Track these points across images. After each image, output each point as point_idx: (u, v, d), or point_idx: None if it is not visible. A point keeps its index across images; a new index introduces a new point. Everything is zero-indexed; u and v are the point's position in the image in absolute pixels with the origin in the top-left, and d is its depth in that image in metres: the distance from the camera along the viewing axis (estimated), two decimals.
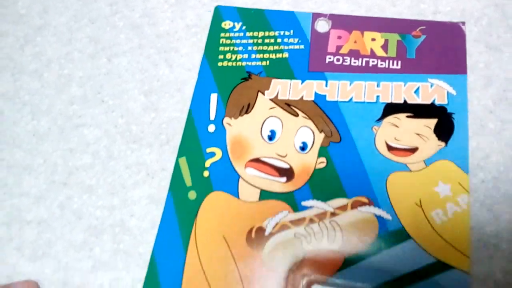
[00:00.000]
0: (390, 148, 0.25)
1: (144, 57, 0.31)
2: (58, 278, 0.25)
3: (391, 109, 0.26)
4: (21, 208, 0.27)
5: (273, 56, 0.29)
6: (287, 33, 0.29)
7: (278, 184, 0.25)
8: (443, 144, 0.25)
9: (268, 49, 0.29)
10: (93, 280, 0.25)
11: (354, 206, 0.24)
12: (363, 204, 0.24)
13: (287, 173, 0.25)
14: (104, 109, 0.29)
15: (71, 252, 0.26)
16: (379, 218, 0.24)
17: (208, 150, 0.27)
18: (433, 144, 0.25)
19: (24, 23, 0.33)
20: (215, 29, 0.30)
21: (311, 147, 0.26)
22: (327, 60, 0.28)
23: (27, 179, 0.28)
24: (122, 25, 0.32)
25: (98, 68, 0.31)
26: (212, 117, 0.27)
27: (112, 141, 0.28)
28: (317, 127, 0.26)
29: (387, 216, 0.24)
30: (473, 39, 0.28)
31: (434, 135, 0.25)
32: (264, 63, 0.29)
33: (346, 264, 0.23)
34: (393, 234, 0.23)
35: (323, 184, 0.25)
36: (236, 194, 0.25)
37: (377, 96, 0.27)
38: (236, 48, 0.29)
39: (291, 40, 0.29)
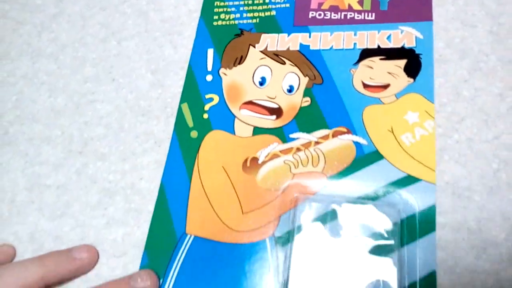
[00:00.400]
0: (365, 86, 0.29)
1: (150, 40, 0.34)
2: (75, 234, 0.28)
3: (366, 53, 0.30)
4: (41, 175, 0.30)
5: (262, 14, 0.32)
6: None
7: (269, 121, 0.29)
8: (411, 80, 0.29)
9: (258, 9, 0.32)
10: (107, 235, 0.28)
11: (335, 135, 0.28)
12: (343, 133, 0.28)
13: (277, 112, 0.29)
14: (115, 87, 0.32)
15: (87, 211, 0.29)
16: (356, 144, 0.27)
17: (207, 96, 0.30)
18: (403, 80, 0.29)
19: (41, 12, 0.36)
20: None
21: (297, 89, 0.30)
22: (310, 16, 0.32)
23: (46, 149, 0.31)
24: (130, 12, 0.35)
25: (109, 50, 0.34)
26: (209, 68, 0.31)
27: (122, 114, 0.31)
28: (302, 72, 0.30)
29: (363, 141, 0.27)
30: (450, 17, 0.31)
31: (404, 73, 0.29)
32: (254, 20, 0.32)
33: (328, 183, 0.27)
34: (368, 156, 0.27)
35: (308, 119, 0.29)
36: (232, 131, 0.29)
37: (354, 44, 0.30)
38: (229, 9, 0.33)
39: (278, 0, 0.33)
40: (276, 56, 0.31)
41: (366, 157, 0.27)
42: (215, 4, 0.33)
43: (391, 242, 0.24)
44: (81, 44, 0.34)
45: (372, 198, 0.26)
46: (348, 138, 0.28)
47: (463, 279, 0.24)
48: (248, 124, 0.29)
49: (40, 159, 0.31)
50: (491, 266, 0.24)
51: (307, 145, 0.28)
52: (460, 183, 0.26)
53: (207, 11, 0.33)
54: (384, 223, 0.25)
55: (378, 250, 0.24)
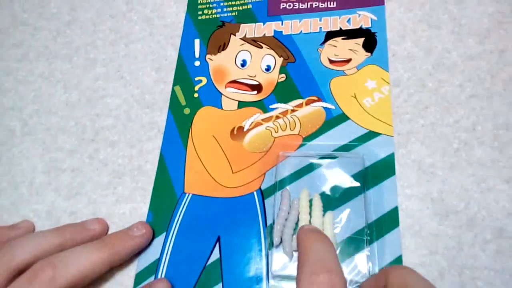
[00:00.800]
0: (331, 61, 0.34)
1: (154, 42, 0.38)
2: (88, 210, 0.32)
3: (330, 35, 0.35)
4: (57, 160, 0.34)
5: (240, 8, 0.37)
6: None
7: (251, 96, 0.34)
8: (369, 54, 0.33)
9: (236, 3, 0.37)
10: (117, 210, 0.31)
11: (307, 103, 0.33)
12: (314, 101, 0.32)
13: (257, 87, 0.34)
14: (123, 83, 0.36)
15: (99, 190, 0.32)
16: (326, 109, 0.32)
17: (196, 78, 0.35)
18: (362, 55, 0.33)
19: (56, 19, 0.40)
20: None
21: (274, 68, 0.34)
22: (281, 7, 0.36)
23: (62, 138, 0.35)
24: (136, 18, 0.39)
25: (117, 52, 0.38)
26: (196, 55, 0.36)
27: (130, 107, 0.35)
28: (277, 54, 0.35)
29: (331, 106, 0.32)
30: (418, 20, 0.35)
31: (362, 49, 0.34)
32: (233, 13, 0.37)
33: (304, 143, 0.31)
34: (336, 118, 0.32)
35: (284, 92, 0.33)
36: (220, 106, 0.34)
37: (320, 27, 0.35)
38: (211, 5, 0.38)
39: None
40: (254, 42, 0.35)
41: (334, 119, 0.32)
42: (199, 1, 0.38)
43: (358, 184, 0.29)
44: (92, 46, 0.38)
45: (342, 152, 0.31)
46: (319, 105, 0.32)
47: (427, 242, 0.28)
48: (233, 100, 0.34)
49: (56, 146, 0.34)
50: (452, 231, 0.28)
51: (284, 113, 0.32)
52: (425, 161, 0.30)
53: (192, 8, 0.38)
54: (352, 170, 0.29)
55: (348, 192, 0.28)
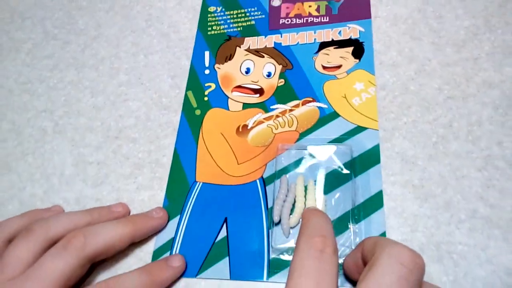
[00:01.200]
0: (324, 67, 0.38)
1: (170, 54, 0.43)
2: (112, 197, 0.36)
3: (323, 45, 0.39)
4: (85, 154, 0.38)
5: (244, 24, 0.42)
6: (252, 9, 0.43)
7: (254, 99, 0.38)
8: (357, 60, 0.38)
9: (241, 20, 0.42)
10: (137, 197, 0.36)
11: (303, 103, 0.37)
12: (309, 101, 0.37)
13: (259, 91, 0.38)
14: (143, 89, 0.41)
15: (121, 180, 0.37)
16: (319, 108, 0.36)
17: (206, 84, 0.40)
18: (351, 61, 0.38)
19: (84, 34, 0.46)
20: (204, 12, 0.44)
21: (274, 74, 0.39)
22: (281, 22, 0.42)
23: (89, 136, 0.39)
24: (155, 34, 0.44)
25: (138, 62, 0.43)
26: (206, 65, 0.41)
27: (149, 109, 0.40)
28: (277, 62, 0.39)
29: (324, 106, 0.36)
30: (402, 32, 0.40)
31: (352, 56, 0.38)
32: (238, 29, 0.42)
33: (300, 137, 0.36)
34: (328, 115, 0.36)
35: (283, 94, 0.38)
36: (227, 108, 0.38)
37: (314, 39, 0.40)
38: (219, 22, 0.43)
39: (255, 13, 0.43)
40: (257, 52, 0.40)
41: (327, 117, 0.36)
42: (209, 19, 0.43)
43: (347, 172, 0.33)
44: (116, 58, 0.43)
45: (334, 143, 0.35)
46: (313, 105, 0.37)
47: (409, 221, 0.32)
48: (239, 102, 0.38)
49: (84, 143, 0.39)
50: (430, 212, 0.32)
51: (283, 112, 0.37)
52: (407, 153, 0.34)
53: (203, 25, 0.43)
54: (342, 160, 0.33)
55: (338, 179, 0.33)
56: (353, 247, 0.30)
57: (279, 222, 0.32)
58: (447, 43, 0.39)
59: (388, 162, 0.34)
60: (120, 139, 0.38)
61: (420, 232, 0.31)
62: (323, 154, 0.34)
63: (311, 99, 0.37)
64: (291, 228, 0.31)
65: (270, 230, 0.32)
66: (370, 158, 0.33)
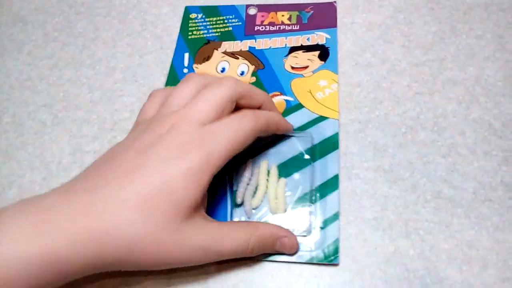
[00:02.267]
0: (293, 68, 0.42)
1: (163, 54, 0.46)
2: None
3: (293, 49, 0.43)
4: (82, 144, 0.41)
5: (222, 30, 0.46)
6: (230, 16, 0.47)
7: None
8: (323, 62, 0.42)
9: (219, 26, 0.46)
10: None
11: (272, 97, 0.41)
12: (277, 95, 0.41)
13: None
14: (137, 86, 0.44)
15: None
16: (286, 101, 0.40)
17: None
18: (317, 63, 0.42)
19: (82, 37, 0.49)
20: (185, 19, 0.48)
21: (247, 72, 0.43)
22: (256, 29, 0.45)
23: (86, 127, 0.42)
24: (149, 36, 0.48)
25: (133, 62, 0.46)
26: (185, 64, 0.44)
27: (142, 103, 0.43)
28: (250, 63, 0.43)
29: (290, 98, 0.40)
30: (376, 36, 0.44)
31: (318, 59, 0.42)
32: (217, 34, 0.46)
33: None
34: (294, 107, 0.40)
35: None
36: None
37: (285, 44, 0.44)
38: (199, 28, 0.47)
39: (233, 20, 0.47)
40: (232, 55, 0.44)
41: (292, 108, 0.39)
42: (190, 25, 0.47)
43: (308, 157, 0.36)
44: (112, 58, 0.47)
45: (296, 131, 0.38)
46: (281, 98, 0.40)
47: (379, 201, 0.35)
48: None
49: (81, 134, 0.42)
50: (399, 193, 0.35)
51: None
52: (379, 141, 0.38)
53: (184, 30, 0.47)
54: (304, 146, 0.37)
55: (299, 164, 0.36)
56: (309, 226, 0.33)
57: (242, 203, 0.35)
58: (416, 46, 0.42)
59: (362, 150, 0.37)
60: (115, 130, 0.41)
61: (390, 211, 0.34)
62: (286, 141, 0.37)
63: (278, 93, 0.40)
64: (253, 209, 0.34)
65: (233, 210, 0.34)
66: (330, 145, 0.37)
